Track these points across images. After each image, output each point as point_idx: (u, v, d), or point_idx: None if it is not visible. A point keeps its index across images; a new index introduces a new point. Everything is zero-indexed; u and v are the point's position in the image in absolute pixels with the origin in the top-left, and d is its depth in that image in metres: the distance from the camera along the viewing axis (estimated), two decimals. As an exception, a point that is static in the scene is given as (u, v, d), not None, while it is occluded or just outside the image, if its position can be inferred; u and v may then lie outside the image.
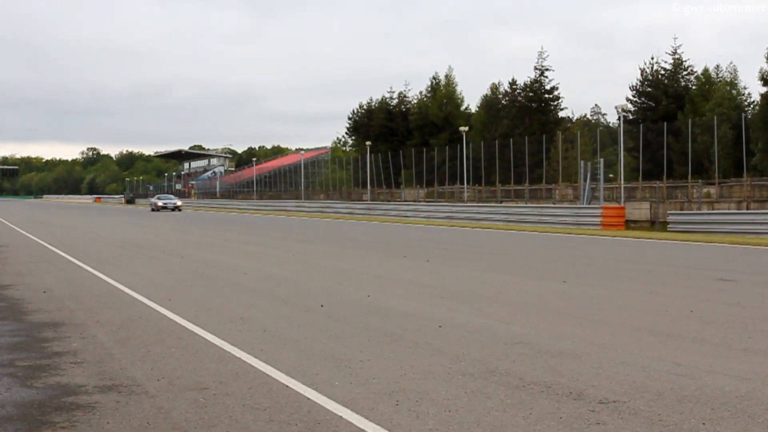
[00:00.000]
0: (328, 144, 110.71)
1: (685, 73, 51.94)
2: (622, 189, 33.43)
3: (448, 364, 6.40)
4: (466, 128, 48.06)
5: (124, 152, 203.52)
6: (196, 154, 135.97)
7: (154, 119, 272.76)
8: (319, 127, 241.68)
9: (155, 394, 5.58)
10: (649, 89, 51.67)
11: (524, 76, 74.26)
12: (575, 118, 74.88)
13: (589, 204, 32.32)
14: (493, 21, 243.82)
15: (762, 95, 42.71)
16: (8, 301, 10.31)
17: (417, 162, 59.60)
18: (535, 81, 57.57)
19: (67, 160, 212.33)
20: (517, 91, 58.26)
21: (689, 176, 39.25)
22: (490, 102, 60.88)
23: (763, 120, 41.61)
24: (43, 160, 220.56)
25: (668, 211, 30.34)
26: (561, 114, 59.65)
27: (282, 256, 17.57)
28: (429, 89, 68.55)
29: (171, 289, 11.36)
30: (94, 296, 10.73)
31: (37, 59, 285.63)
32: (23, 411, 5.22)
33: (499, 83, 61.71)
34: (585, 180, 34.07)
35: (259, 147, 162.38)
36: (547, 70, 57.87)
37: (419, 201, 52.34)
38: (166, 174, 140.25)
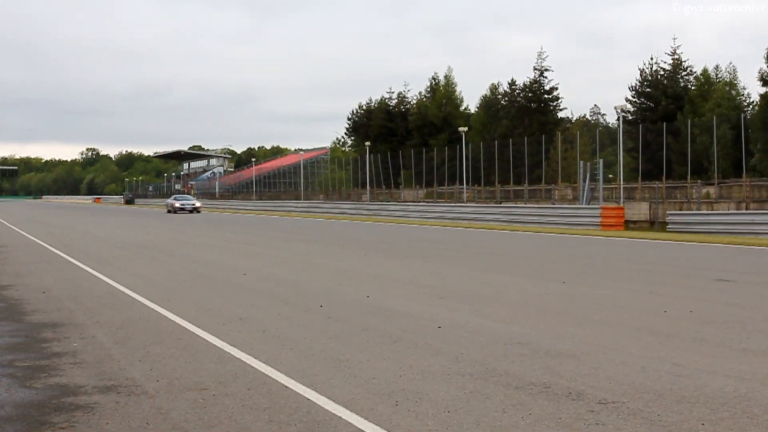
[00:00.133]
0: (328, 144, 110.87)
1: (684, 73, 51.97)
2: (622, 189, 33.43)
3: (448, 364, 6.40)
4: (466, 129, 48.05)
5: (124, 152, 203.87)
6: (195, 154, 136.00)
7: (154, 119, 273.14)
8: (319, 128, 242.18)
9: (155, 395, 5.58)
10: (648, 90, 51.69)
11: (524, 76, 74.43)
12: (575, 118, 75.14)
13: (589, 204, 32.33)
14: (493, 21, 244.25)
15: (761, 95, 42.71)
16: (7, 302, 10.30)
17: (416, 162, 59.61)
18: (535, 81, 57.59)
19: (66, 161, 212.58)
20: (517, 91, 58.29)
21: (688, 176, 39.27)
22: (490, 102, 60.89)
23: (762, 120, 41.61)
24: (43, 161, 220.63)
25: (667, 212, 30.35)
26: (560, 114, 59.78)
27: (281, 256, 17.58)
28: (428, 89, 68.60)
29: (170, 290, 11.35)
30: (93, 297, 10.72)
31: (37, 59, 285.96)
32: (23, 411, 5.22)
33: (498, 83, 61.88)
34: (584, 180, 34.09)
35: (259, 147, 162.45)
36: (546, 70, 57.97)
37: (419, 201, 52.35)
38: (165, 174, 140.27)
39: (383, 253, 18.16)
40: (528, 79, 57.93)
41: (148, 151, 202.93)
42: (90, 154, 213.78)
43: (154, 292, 11.06)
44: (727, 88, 48.24)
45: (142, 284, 12.00)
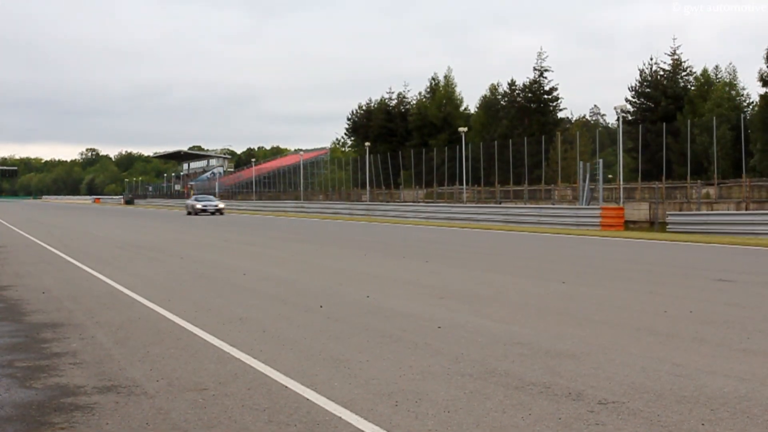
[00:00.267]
0: (328, 144, 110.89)
1: (684, 73, 51.95)
2: (621, 190, 33.44)
3: (448, 364, 6.40)
4: (465, 129, 48.04)
5: (123, 153, 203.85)
6: (195, 154, 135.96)
7: (154, 119, 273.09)
8: (319, 128, 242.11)
9: (154, 395, 5.58)
10: (648, 90, 51.68)
11: (523, 76, 74.46)
12: (574, 118, 75.15)
13: (588, 204, 32.33)
14: (493, 21, 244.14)
15: (761, 96, 42.71)
16: (7, 302, 10.30)
17: (416, 163, 59.62)
18: (535, 81, 57.60)
19: (66, 161, 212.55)
20: (516, 91, 58.28)
21: (688, 177, 39.29)
22: (489, 102, 60.88)
23: (762, 121, 41.61)
24: (43, 161, 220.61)
25: (667, 212, 30.37)
26: (560, 114, 59.80)
27: (281, 256, 17.58)
28: (428, 90, 68.59)
29: (170, 290, 11.35)
30: (93, 297, 10.72)
31: (37, 59, 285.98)
32: (22, 412, 5.21)
33: (498, 84, 61.84)
34: (584, 180, 34.08)
35: (258, 148, 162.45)
36: (546, 70, 57.97)
37: (418, 202, 52.36)
38: (165, 175, 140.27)
39: (382, 253, 18.15)
40: (528, 80, 58.00)
41: (147, 151, 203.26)
42: (90, 154, 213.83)
43: (153, 292, 11.06)
44: (727, 89, 48.22)
45: (141, 284, 12.00)
